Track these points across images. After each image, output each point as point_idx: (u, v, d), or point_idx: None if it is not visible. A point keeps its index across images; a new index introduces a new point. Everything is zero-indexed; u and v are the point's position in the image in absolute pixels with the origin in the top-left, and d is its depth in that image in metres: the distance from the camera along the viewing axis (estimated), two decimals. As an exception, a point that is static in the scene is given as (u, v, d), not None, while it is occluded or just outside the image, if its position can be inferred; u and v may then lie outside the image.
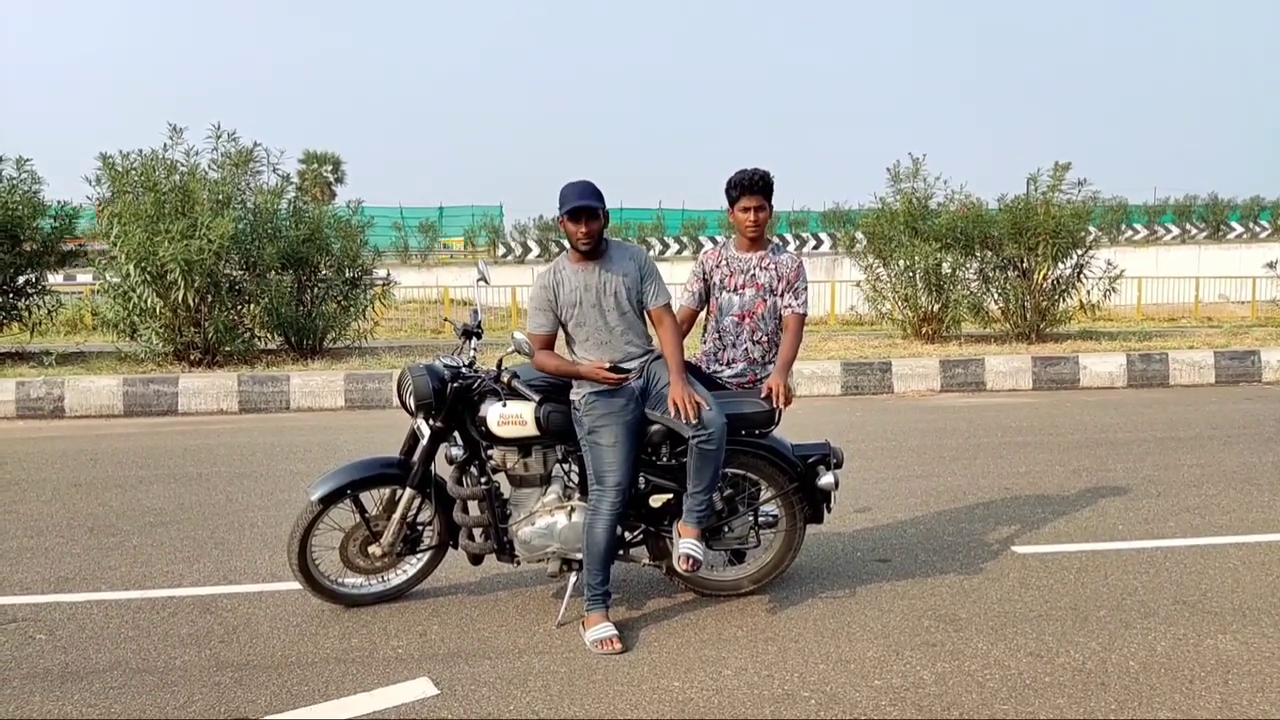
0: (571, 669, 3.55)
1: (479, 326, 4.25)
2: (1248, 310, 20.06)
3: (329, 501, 3.99)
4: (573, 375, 3.86)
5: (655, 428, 3.94)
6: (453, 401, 3.95)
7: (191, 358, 11.15)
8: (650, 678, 3.48)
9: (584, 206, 3.74)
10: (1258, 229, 41.38)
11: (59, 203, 12.72)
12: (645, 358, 3.93)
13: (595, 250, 3.84)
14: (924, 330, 13.38)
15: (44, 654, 3.75)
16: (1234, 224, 43.36)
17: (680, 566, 3.88)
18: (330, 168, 45.52)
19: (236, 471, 6.90)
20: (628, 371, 3.82)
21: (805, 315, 4.29)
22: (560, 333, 3.98)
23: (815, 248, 39.31)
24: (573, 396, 3.91)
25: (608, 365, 3.78)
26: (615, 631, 3.73)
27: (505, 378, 3.89)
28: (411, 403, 3.97)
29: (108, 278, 11.42)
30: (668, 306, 3.97)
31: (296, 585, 4.14)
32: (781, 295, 4.29)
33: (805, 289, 4.31)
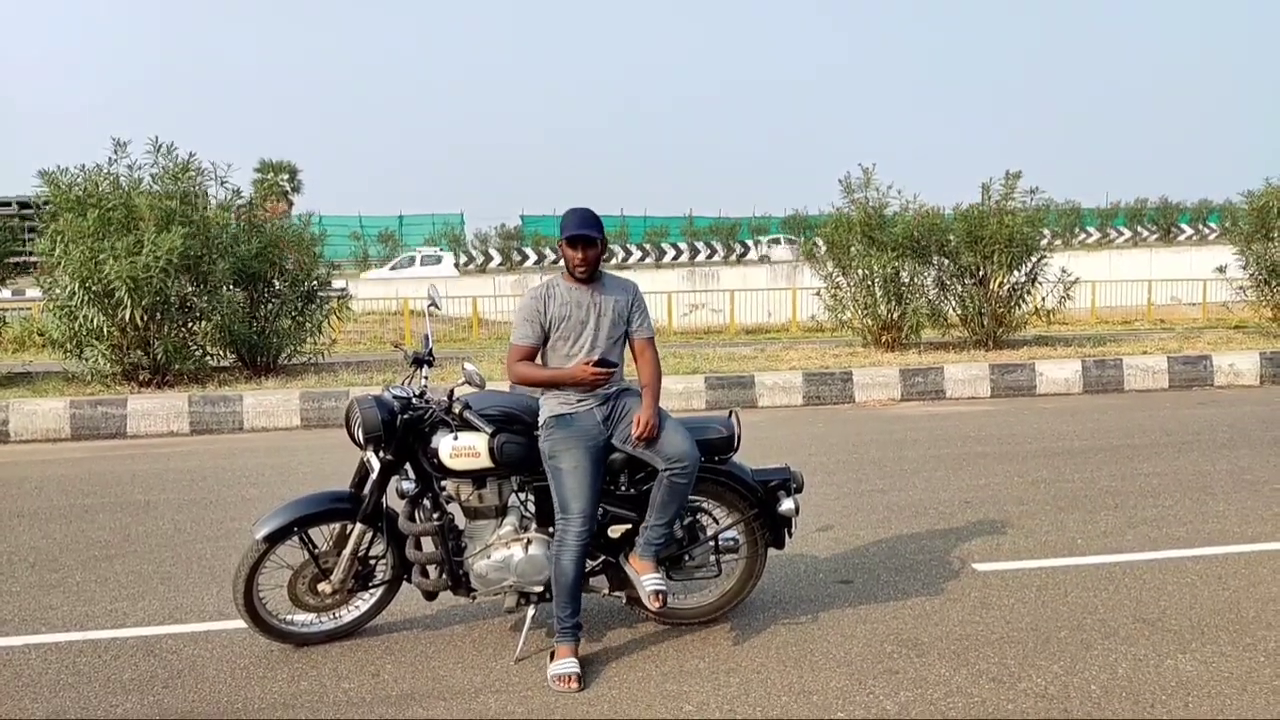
0: (530, 709, 3.45)
1: (430, 354, 4.15)
2: (1199, 312, 20.45)
3: (275, 539, 3.86)
4: (556, 381, 3.80)
5: (616, 455, 3.87)
6: (403, 434, 3.85)
7: (141, 378, 10.88)
8: (610, 716, 3.40)
9: (583, 235, 3.78)
10: (1207, 231, 42.31)
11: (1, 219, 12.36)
12: (616, 385, 3.88)
13: (591, 277, 3.86)
14: (884, 339, 13.45)
15: (-24, 705, 3.59)
16: (1184, 226, 44.29)
17: (653, 605, 3.80)
18: (286, 176, 44.97)
19: (185, 498, 6.72)
20: (614, 365, 3.78)
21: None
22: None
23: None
24: (540, 421, 3.86)
25: (594, 361, 3.74)
26: (577, 669, 3.64)
27: (457, 408, 3.80)
28: (360, 435, 3.86)
29: (54, 294, 11.11)
30: (651, 340, 3.97)
31: (244, 624, 4.00)
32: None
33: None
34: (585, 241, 3.80)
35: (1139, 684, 3.56)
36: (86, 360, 10.90)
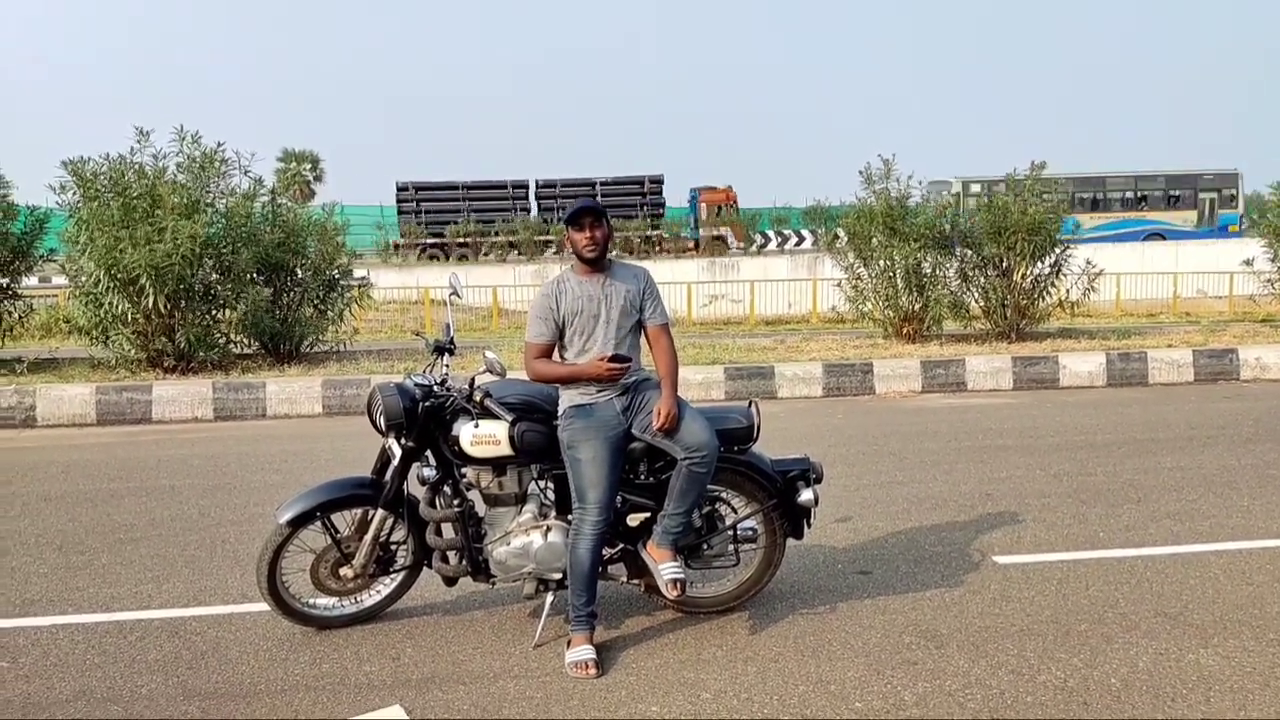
0: (547, 694, 3.48)
1: (451, 342, 4.18)
2: (1225, 305, 20.19)
3: (298, 524, 3.91)
4: (573, 378, 3.80)
5: (635, 445, 3.88)
6: (424, 421, 3.87)
7: (165, 364, 10.99)
8: (628, 702, 3.42)
9: (588, 208, 3.79)
10: (1234, 223, 41.68)
11: (29, 206, 12.50)
12: (635, 375, 3.88)
13: (600, 262, 3.83)
14: (905, 330, 13.37)
15: (6, 683, 3.65)
16: (1211, 218, 43.63)
17: (670, 594, 3.82)
18: (309, 166, 45.18)
19: (210, 484, 6.79)
20: (628, 360, 3.78)
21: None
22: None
23: (798, 244, 39.42)
24: (560, 410, 3.87)
25: (608, 356, 3.74)
26: (594, 655, 3.67)
27: (478, 396, 3.82)
28: (382, 423, 3.90)
29: (80, 282, 11.23)
30: (665, 327, 3.96)
31: (267, 607, 4.05)
32: None
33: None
34: (592, 215, 3.78)
35: (1160, 678, 3.54)
36: (112, 347, 11.03)
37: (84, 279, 10.88)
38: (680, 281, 20.60)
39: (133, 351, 10.95)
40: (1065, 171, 25.82)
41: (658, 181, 38.47)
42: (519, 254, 35.84)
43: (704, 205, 37.54)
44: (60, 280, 17.42)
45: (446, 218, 37.95)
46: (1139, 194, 35.34)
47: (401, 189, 38.10)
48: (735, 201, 37.97)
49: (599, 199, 37.51)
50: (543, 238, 36.67)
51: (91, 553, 5.22)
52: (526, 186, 38.96)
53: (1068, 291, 13.65)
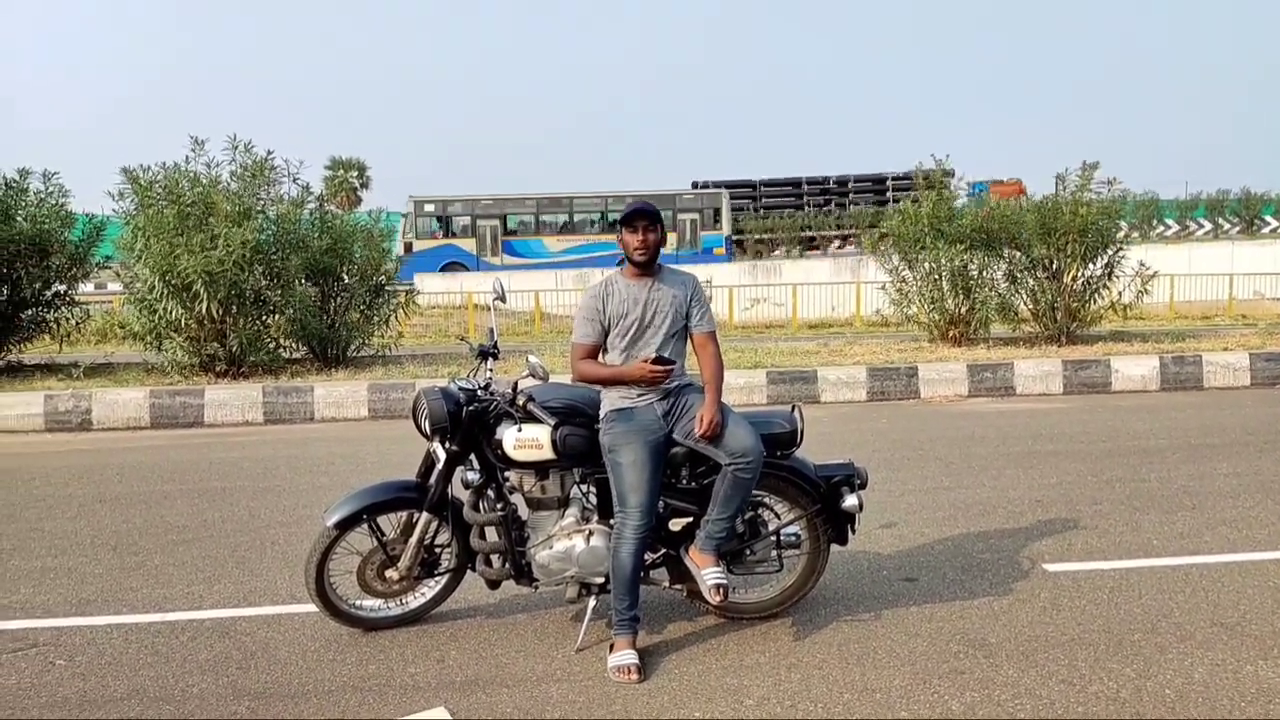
0: (590, 699, 3.48)
1: (495, 347, 4.20)
2: (1284, 307, 19.66)
3: (345, 526, 3.96)
4: (616, 379, 3.82)
5: (677, 449, 3.87)
6: (468, 425, 3.90)
7: (217, 369, 11.22)
8: (671, 708, 3.41)
9: (642, 210, 3.81)
10: (1293, 222, 40.64)
11: (86, 214, 12.84)
12: (678, 380, 3.88)
13: (650, 266, 3.85)
14: (951, 333, 13.19)
15: (63, 681, 3.74)
16: (1268, 218, 42.65)
17: (714, 600, 3.80)
18: (355, 173, 45.91)
19: (260, 486, 6.91)
20: (672, 363, 3.78)
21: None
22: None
23: (840, 247, 39.13)
24: (601, 415, 3.88)
25: (651, 359, 3.75)
26: (636, 660, 3.66)
27: (521, 400, 3.84)
28: (426, 427, 3.93)
29: (135, 288, 11.51)
30: (712, 334, 3.96)
31: (315, 608, 4.10)
32: None
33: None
34: (647, 220, 3.80)
35: (1216, 690, 3.45)
36: (165, 352, 11.28)
37: (139, 285, 11.15)
38: (721, 285, 20.54)
39: (185, 356, 11.19)
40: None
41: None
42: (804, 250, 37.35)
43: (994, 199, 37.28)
44: (115, 287, 17.86)
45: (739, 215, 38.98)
46: (609, 215, 32.48)
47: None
48: (1025, 195, 37.56)
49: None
50: (839, 232, 37.38)
51: (145, 553, 5.33)
52: (819, 183, 39.34)
53: (1120, 294, 13.38)
